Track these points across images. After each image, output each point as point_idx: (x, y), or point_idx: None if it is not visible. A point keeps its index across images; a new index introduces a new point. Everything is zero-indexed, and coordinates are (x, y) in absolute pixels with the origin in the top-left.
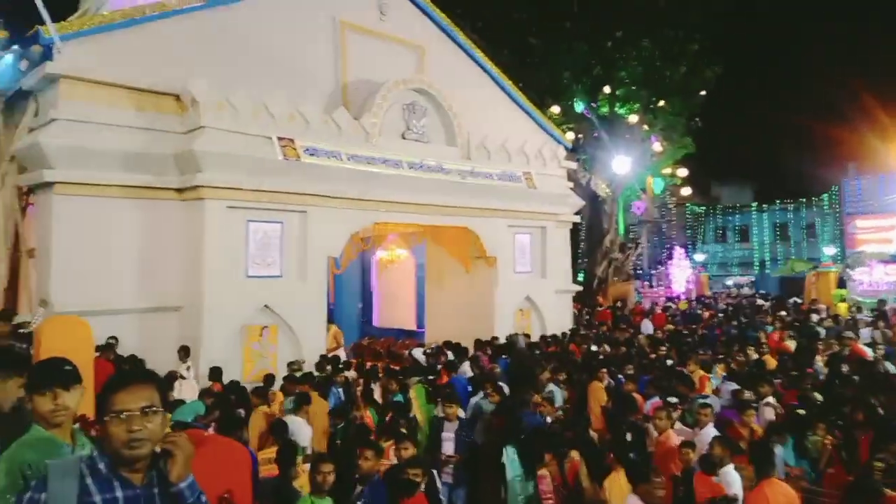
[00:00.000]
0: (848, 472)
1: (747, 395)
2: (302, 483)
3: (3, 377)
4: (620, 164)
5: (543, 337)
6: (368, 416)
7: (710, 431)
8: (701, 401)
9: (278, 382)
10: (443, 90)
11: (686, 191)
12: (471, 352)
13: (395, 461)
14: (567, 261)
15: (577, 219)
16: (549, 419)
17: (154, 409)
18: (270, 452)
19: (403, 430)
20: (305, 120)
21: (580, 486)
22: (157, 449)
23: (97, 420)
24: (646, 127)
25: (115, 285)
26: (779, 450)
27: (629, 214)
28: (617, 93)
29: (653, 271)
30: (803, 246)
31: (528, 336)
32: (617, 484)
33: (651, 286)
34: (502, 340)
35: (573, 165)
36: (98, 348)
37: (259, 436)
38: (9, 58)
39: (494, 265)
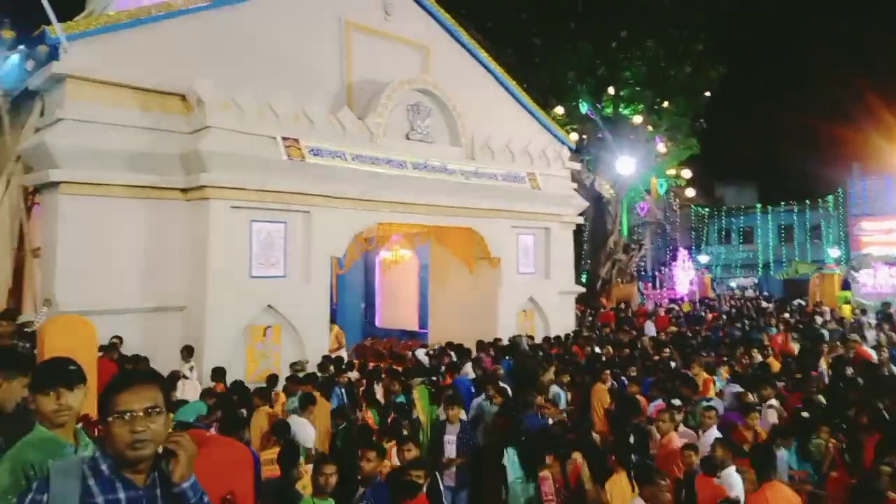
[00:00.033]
0: (851, 476)
1: (751, 397)
2: (304, 484)
3: (7, 377)
4: (624, 164)
5: (546, 338)
6: (370, 417)
7: (714, 434)
8: (705, 403)
9: (281, 383)
10: (447, 90)
11: (690, 192)
12: (473, 353)
13: (396, 462)
14: (570, 262)
15: (581, 220)
16: (550, 421)
17: (158, 409)
18: (272, 453)
19: (405, 432)
20: (310, 120)
21: (582, 488)
22: (160, 449)
23: (100, 420)
24: (650, 128)
25: (118, 285)
26: (782, 453)
27: (633, 215)
28: (621, 93)
29: (656, 273)
30: (807, 248)
31: (531, 337)
32: (618, 486)
33: (654, 288)
34: (505, 342)
35: (577, 166)
36: (101, 348)
37: (261, 436)
38: (15, 58)
39: (498, 266)
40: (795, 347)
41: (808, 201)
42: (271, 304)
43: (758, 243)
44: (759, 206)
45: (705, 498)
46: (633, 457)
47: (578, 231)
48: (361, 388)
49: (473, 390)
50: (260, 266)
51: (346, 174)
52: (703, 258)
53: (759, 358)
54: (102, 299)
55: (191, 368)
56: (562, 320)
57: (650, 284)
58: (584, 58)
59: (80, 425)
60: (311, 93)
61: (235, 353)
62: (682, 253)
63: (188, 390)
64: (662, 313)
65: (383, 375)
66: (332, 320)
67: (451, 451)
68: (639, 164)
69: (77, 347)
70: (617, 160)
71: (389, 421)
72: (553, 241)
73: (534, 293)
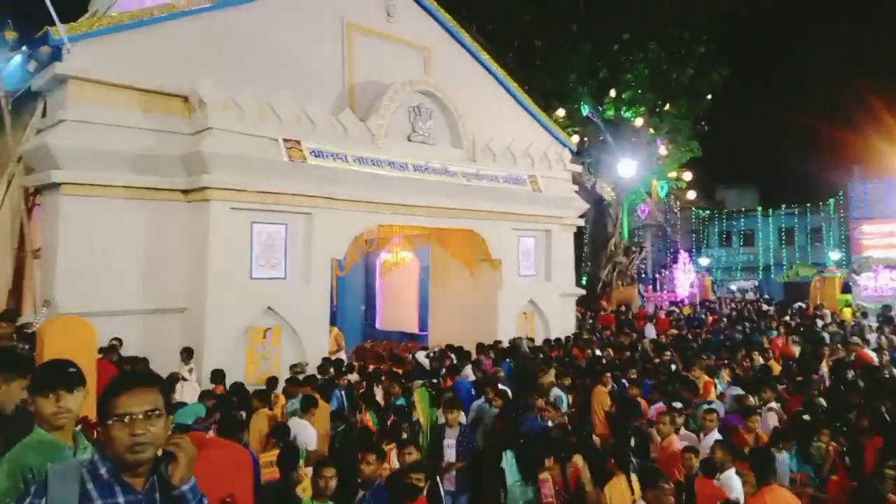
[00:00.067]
0: (852, 479)
1: (752, 400)
2: (305, 486)
3: (6, 378)
4: (625, 167)
5: (547, 340)
6: (368, 420)
7: (715, 437)
8: (706, 406)
9: (281, 385)
10: (449, 92)
11: (691, 194)
12: (473, 355)
13: (396, 465)
14: (571, 264)
15: (582, 222)
16: (549, 423)
17: (158, 412)
18: (272, 455)
19: (405, 435)
20: (311, 122)
21: (582, 491)
22: (159, 452)
23: (99, 423)
24: (651, 130)
25: (119, 286)
26: (784, 456)
27: (633, 218)
28: (623, 96)
29: (657, 275)
30: (808, 251)
31: (531, 340)
32: (618, 489)
33: (655, 290)
34: (506, 344)
35: (578, 168)
36: (101, 350)
37: (260, 438)
38: (17, 58)
39: (499, 268)
40: (796, 350)
41: (808, 204)
42: (271, 305)
43: (758, 246)
44: (759, 208)
45: (704, 500)
46: (633, 460)
47: (579, 233)
48: (361, 391)
49: (473, 392)
50: (260, 268)
51: (347, 176)
52: (704, 261)
53: (760, 361)
54: (102, 300)
55: (190, 370)
56: (562, 322)
57: (651, 287)
58: (586, 60)
59: (78, 428)
60: (313, 94)
61: (235, 355)
62: (683, 255)
63: (187, 392)
64: (663, 316)
65: (383, 378)
66: (332, 322)
67: (450, 454)
68: (640, 167)
69: (77, 349)
70: (618, 162)
71: (389, 423)
72: (554, 243)
73: (534, 295)
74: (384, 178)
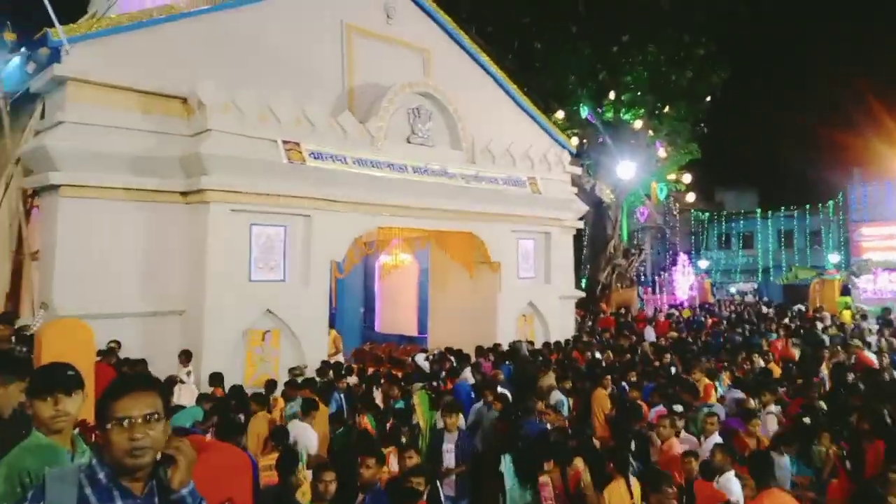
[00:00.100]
0: (852, 483)
1: (752, 403)
2: (304, 490)
3: (4, 381)
4: (625, 169)
5: (546, 344)
6: (366, 423)
7: (716, 441)
8: (707, 410)
9: (280, 388)
10: (448, 94)
11: (690, 197)
12: (473, 358)
13: (395, 469)
14: (570, 267)
15: (581, 224)
16: (548, 426)
17: (157, 416)
18: (270, 459)
19: (404, 438)
20: (311, 123)
21: (582, 495)
22: (158, 456)
23: (97, 427)
24: (651, 132)
25: (117, 289)
26: (785, 459)
27: (633, 220)
28: (622, 98)
29: (656, 278)
30: (807, 253)
31: (531, 343)
32: (617, 493)
33: (654, 293)
34: (505, 347)
35: (578, 171)
36: (99, 353)
37: (259, 442)
38: (16, 60)
39: (498, 270)
40: (796, 353)
41: (808, 206)
42: (270, 308)
43: (758, 248)
44: (759, 211)
45: (704, 502)
46: (633, 463)
47: (578, 236)
48: (360, 394)
49: (473, 396)
50: (259, 270)
51: (346, 178)
52: (703, 263)
53: (760, 363)
54: (101, 303)
55: (188, 373)
56: (562, 325)
57: (650, 289)
58: (585, 62)
59: (76, 431)
60: (312, 96)
61: (234, 358)
62: (682, 258)
63: (184, 395)
64: (662, 318)
65: (382, 381)
66: (331, 325)
67: (449, 459)
68: (639, 169)
69: (75, 351)
70: (617, 165)
71: (389, 427)
72: (553, 245)
73: (534, 298)
74: (383, 180)
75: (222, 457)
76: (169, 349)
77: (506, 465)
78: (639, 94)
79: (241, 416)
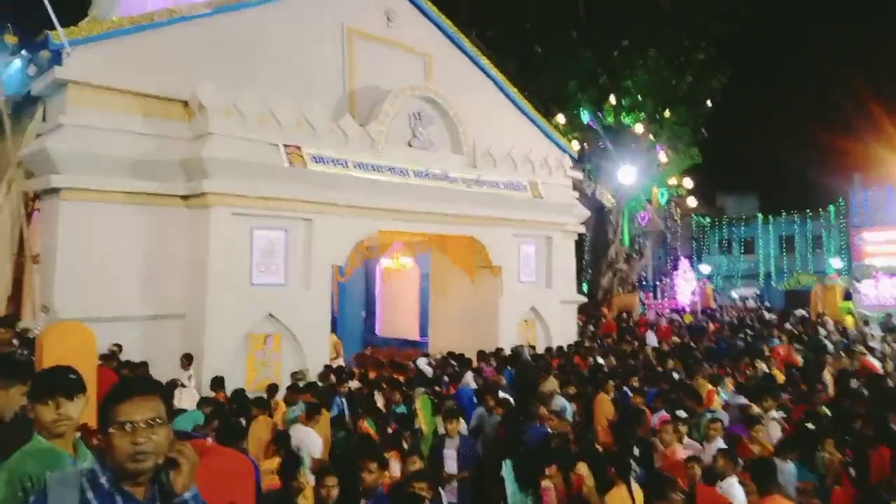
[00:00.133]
0: (857, 489)
1: (756, 409)
2: (307, 495)
3: (6, 385)
4: (625, 174)
5: (548, 349)
6: (367, 427)
7: (719, 446)
8: (710, 416)
9: (282, 392)
10: (449, 98)
11: (691, 201)
12: (474, 363)
13: (396, 474)
14: (572, 271)
15: (583, 229)
16: (549, 431)
17: (159, 420)
18: (272, 463)
19: (405, 443)
20: (312, 127)
21: (584, 500)
22: (160, 460)
23: (100, 431)
24: (651, 137)
25: (118, 292)
26: (790, 465)
27: (634, 225)
28: (623, 102)
29: (658, 282)
30: (809, 258)
31: (533, 347)
32: (619, 498)
33: (656, 297)
34: (507, 351)
35: (579, 175)
36: (101, 356)
37: (260, 446)
38: (17, 63)
39: (499, 275)
40: (799, 359)
41: (809, 211)
42: (272, 312)
43: (759, 253)
44: (760, 215)
45: None
46: (636, 469)
47: (580, 240)
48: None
49: (476, 400)
50: (261, 274)
51: (347, 182)
52: (705, 268)
53: (763, 368)
54: (102, 306)
55: (189, 377)
56: (563, 330)
57: (652, 294)
58: (586, 66)
59: (78, 435)
60: (313, 99)
61: (235, 362)
62: (684, 263)
63: (185, 399)
64: (664, 323)
65: (384, 385)
66: (332, 329)
67: (450, 465)
68: (640, 174)
69: (76, 355)
70: (618, 169)
71: (391, 431)
72: (554, 250)
73: (535, 302)
74: (384, 184)
75: (224, 461)
76: (170, 353)
77: (507, 470)
78: (639, 98)
79: (243, 420)
